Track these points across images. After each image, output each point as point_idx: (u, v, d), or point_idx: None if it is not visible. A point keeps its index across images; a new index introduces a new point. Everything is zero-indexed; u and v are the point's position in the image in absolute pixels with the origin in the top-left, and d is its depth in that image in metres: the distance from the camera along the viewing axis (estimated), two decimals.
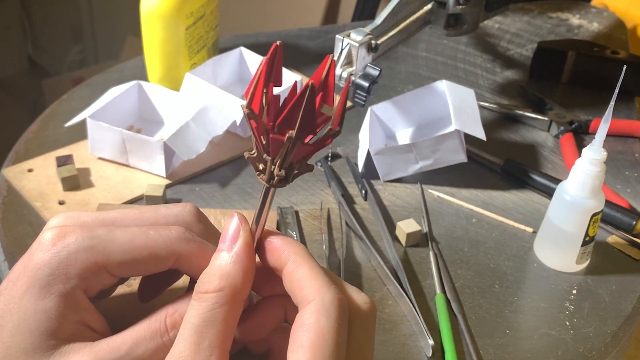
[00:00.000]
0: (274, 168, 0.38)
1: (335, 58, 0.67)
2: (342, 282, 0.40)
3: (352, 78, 0.66)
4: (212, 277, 0.38)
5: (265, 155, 0.38)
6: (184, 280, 0.45)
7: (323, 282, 0.38)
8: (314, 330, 0.36)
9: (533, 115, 0.84)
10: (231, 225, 0.40)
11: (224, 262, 0.39)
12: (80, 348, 0.38)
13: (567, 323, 0.58)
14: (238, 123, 0.75)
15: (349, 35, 0.66)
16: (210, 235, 0.44)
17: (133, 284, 0.47)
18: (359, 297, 0.40)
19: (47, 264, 0.39)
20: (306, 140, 0.37)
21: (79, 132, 0.74)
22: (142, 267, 0.41)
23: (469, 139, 0.72)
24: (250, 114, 0.37)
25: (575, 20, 1.11)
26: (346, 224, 0.67)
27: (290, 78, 0.80)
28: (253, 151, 0.39)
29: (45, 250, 0.39)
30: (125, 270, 0.40)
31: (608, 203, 0.67)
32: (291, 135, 0.36)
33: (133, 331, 0.39)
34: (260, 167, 0.39)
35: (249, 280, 0.39)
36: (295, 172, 0.39)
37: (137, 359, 0.39)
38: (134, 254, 0.40)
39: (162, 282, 0.45)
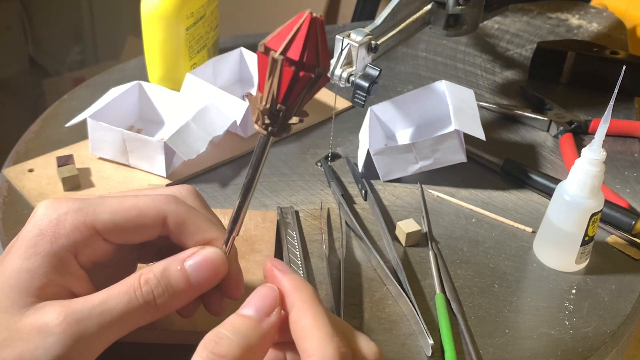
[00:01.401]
0: (261, 104, 0.37)
1: (335, 58, 0.67)
2: (350, 331, 0.40)
3: (352, 78, 0.66)
4: (232, 342, 0.37)
5: (258, 93, 0.38)
6: None
7: (325, 334, 0.37)
8: None
9: (532, 115, 0.84)
10: (269, 297, 0.39)
11: (252, 333, 0.37)
12: (55, 302, 0.39)
13: (567, 322, 0.58)
14: (238, 123, 0.75)
15: (349, 36, 0.66)
16: (206, 211, 0.45)
17: None
18: (367, 347, 0.39)
19: (37, 225, 0.40)
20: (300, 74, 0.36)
21: (80, 132, 0.74)
22: (133, 229, 0.41)
23: (469, 139, 0.72)
24: (265, 51, 0.36)
25: (574, 20, 1.11)
26: (346, 224, 0.67)
27: None
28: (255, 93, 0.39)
29: (37, 215, 0.40)
30: (115, 231, 0.41)
31: (607, 203, 0.67)
32: (273, 54, 0.36)
33: (109, 288, 0.40)
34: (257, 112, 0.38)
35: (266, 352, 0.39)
36: (280, 116, 0.38)
37: (109, 310, 0.39)
38: (123, 214, 0.41)
39: None
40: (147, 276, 0.40)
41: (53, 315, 0.38)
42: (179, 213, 0.42)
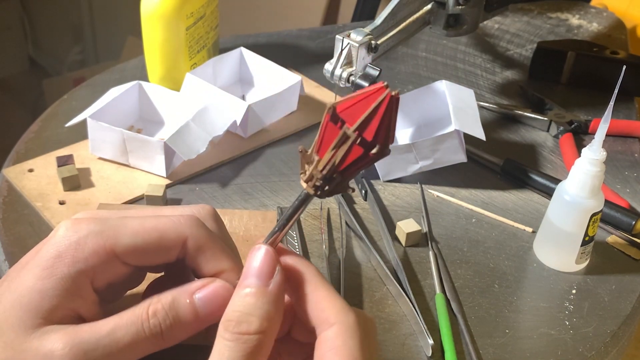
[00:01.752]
0: (316, 168, 0.37)
1: (335, 58, 0.67)
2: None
3: (352, 78, 0.66)
4: (251, 317, 0.37)
5: (314, 154, 0.38)
6: None
7: (342, 304, 0.38)
8: (343, 352, 0.37)
9: (533, 115, 0.84)
10: (264, 260, 0.39)
11: (264, 300, 0.38)
12: (62, 328, 0.39)
13: (567, 323, 0.58)
14: (238, 123, 0.75)
15: (349, 36, 0.66)
16: (225, 236, 0.45)
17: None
18: (366, 313, 0.41)
19: (55, 247, 0.39)
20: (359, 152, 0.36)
21: (80, 132, 0.74)
22: (153, 252, 0.41)
23: (469, 139, 0.72)
24: (334, 117, 0.36)
25: (574, 20, 1.11)
26: (346, 224, 0.67)
27: (290, 78, 0.81)
28: (309, 150, 0.39)
29: (57, 236, 0.40)
30: (135, 254, 0.41)
31: (607, 203, 0.67)
32: (347, 130, 0.36)
33: (116, 317, 0.40)
34: (305, 167, 0.39)
35: (281, 320, 0.39)
36: (334, 183, 0.38)
37: (116, 342, 0.39)
38: (144, 237, 0.40)
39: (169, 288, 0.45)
40: (155, 307, 0.40)
41: (59, 345, 0.38)
42: (199, 237, 0.42)
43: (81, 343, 0.38)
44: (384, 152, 0.37)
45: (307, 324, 0.39)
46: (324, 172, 0.37)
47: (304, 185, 0.39)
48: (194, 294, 0.41)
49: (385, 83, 0.36)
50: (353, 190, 0.39)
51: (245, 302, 0.38)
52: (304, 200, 0.39)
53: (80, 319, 0.40)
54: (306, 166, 0.38)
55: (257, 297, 0.38)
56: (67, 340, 0.38)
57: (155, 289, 0.44)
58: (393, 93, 0.35)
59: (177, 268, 0.44)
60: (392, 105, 0.36)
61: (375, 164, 0.72)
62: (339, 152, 0.36)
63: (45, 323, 0.39)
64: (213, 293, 0.41)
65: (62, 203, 0.66)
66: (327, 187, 0.38)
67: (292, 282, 0.40)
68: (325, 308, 0.38)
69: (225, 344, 0.37)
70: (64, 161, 0.69)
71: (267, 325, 0.37)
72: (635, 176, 0.77)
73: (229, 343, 0.37)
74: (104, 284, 0.41)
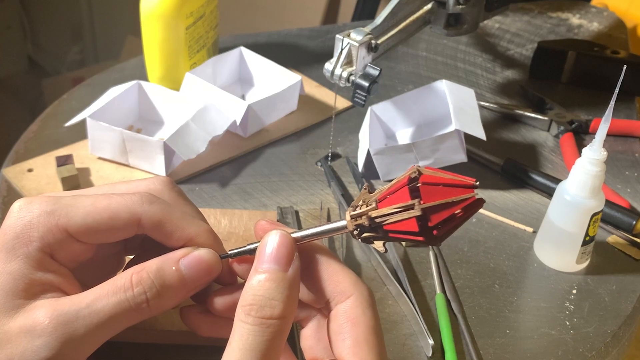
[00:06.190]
0: (369, 213, 0.38)
1: (335, 58, 0.67)
2: None
3: (352, 78, 0.66)
4: (274, 301, 0.37)
5: (376, 199, 0.38)
6: None
7: (355, 276, 0.40)
8: (363, 322, 0.39)
9: (533, 115, 0.84)
10: (282, 245, 0.39)
11: (284, 285, 0.38)
12: (44, 303, 0.39)
13: (567, 323, 0.58)
14: (238, 123, 0.75)
15: (349, 35, 0.66)
16: (183, 204, 0.44)
17: None
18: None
19: (12, 228, 0.40)
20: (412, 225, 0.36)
21: (79, 132, 0.74)
22: (106, 231, 0.41)
23: (469, 138, 0.72)
24: (413, 184, 0.36)
25: (575, 20, 1.11)
26: None
27: (289, 78, 0.80)
28: (374, 191, 0.39)
29: (11, 217, 0.40)
30: (88, 234, 0.41)
31: (608, 203, 0.67)
32: (417, 203, 0.35)
33: (97, 287, 0.40)
34: (360, 202, 0.39)
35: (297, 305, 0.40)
36: (374, 235, 0.38)
37: (96, 312, 0.39)
38: (95, 217, 0.40)
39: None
40: (139, 276, 0.40)
41: (41, 318, 0.38)
42: (153, 213, 0.41)
43: (61, 315, 0.38)
44: (434, 243, 0.36)
45: (320, 297, 0.41)
46: (374, 221, 0.38)
47: (348, 218, 0.39)
48: (179, 260, 0.41)
49: (477, 182, 0.34)
50: (385, 250, 0.39)
51: (267, 287, 0.38)
52: (337, 230, 0.40)
53: (59, 290, 0.40)
54: (361, 202, 0.39)
55: (278, 282, 0.38)
56: (47, 313, 0.38)
57: (135, 263, 0.44)
58: (478, 197, 0.34)
59: (153, 247, 0.44)
60: (472, 209, 0.35)
61: (376, 163, 0.72)
62: (397, 216, 0.36)
63: (26, 302, 0.39)
64: (198, 259, 0.41)
65: None
66: (365, 234, 0.39)
67: (303, 258, 0.41)
68: (340, 281, 0.40)
69: (247, 328, 0.37)
70: (63, 161, 0.69)
71: (289, 309, 0.38)
72: (636, 176, 0.77)
73: (252, 327, 0.37)
74: (69, 261, 0.41)
